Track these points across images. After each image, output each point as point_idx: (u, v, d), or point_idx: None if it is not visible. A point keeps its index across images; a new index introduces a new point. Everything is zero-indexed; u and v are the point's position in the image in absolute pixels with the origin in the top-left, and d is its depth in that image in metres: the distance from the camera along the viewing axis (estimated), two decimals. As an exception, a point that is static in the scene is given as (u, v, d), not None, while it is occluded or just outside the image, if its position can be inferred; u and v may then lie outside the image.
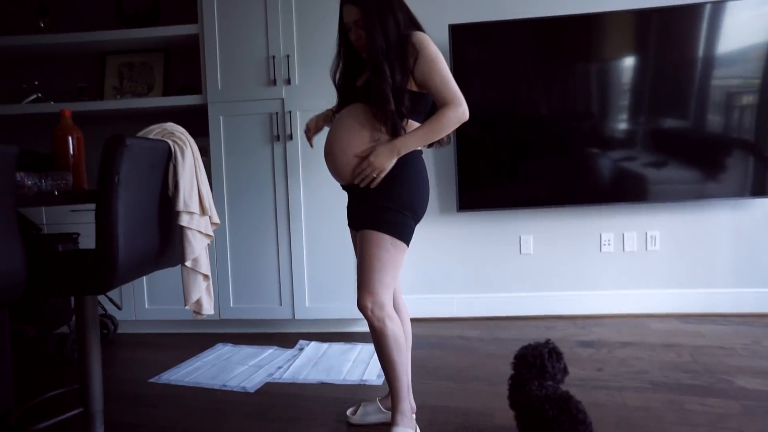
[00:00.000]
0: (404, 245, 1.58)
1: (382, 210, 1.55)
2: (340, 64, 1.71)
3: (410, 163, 1.59)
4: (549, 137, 2.96)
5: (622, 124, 2.91)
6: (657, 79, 2.85)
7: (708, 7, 2.78)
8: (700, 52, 2.82)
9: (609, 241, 3.07)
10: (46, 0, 3.14)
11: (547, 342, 1.62)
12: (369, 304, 1.54)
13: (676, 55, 2.84)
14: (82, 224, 2.86)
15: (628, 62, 2.88)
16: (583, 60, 2.91)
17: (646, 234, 3.04)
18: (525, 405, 1.51)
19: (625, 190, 2.94)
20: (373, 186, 1.56)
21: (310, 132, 1.92)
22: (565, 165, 2.95)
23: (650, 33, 2.85)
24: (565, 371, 1.58)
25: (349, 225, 1.78)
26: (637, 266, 3.06)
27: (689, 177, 2.87)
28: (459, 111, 1.55)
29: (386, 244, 1.54)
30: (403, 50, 1.52)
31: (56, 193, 1.48)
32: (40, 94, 3.19)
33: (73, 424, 1.57)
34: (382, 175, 1.55)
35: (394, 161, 1.55)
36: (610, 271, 3.07)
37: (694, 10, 2.80)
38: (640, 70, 2.88)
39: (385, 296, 1.56)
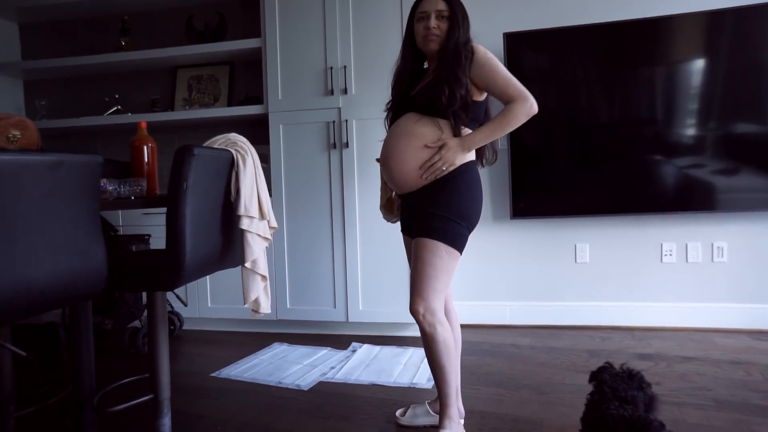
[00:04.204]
0: (458, 253, 1.61)
1: (437, 219, 1.58)
2: (403, 66, 1.74)
3: (465, 173, 1.62)
4: (608, 144, 2.89)
5: (689, 130, 2.79)
6: (730, 82, 2.72)
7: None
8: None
9: (671, 251, 2.94)
10: (127, 21, 3.42)
11: (630, 371, 1.52)
12: (421, 309, 1.58)
13: (753, 55, 2.70)
14: (153, 226, 3.08)
15: (698, 65, 2.77)
16: (646, 64, 2.83)
17: (712, 245, 2.90)
18: (597, 422, 1.43)
19: (690, 199, 2.82)
20: (436, 177, 1.60)
21: None
22: (624, 172, 2.87)
23: (723, 34, 2.72)
24: (645, 399, 1.47)
25: (402, 231, 1.82)
26: (701, 278, 2.92)
27: (764, 185, 2.72)
28: (527, 105, 1.59)
29: (440, 251, 1.57)
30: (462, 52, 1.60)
31: (133, 197, 1.62)
32: (119, 107, 3.47)
33: (144, 408, 1.70)
34: (451, 168, 1.59)
35: (463, 157, 1.61)
36: (672, 282, 2.95)
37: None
38: (710, 73, 2.75)
39: (437, 302, 1.59)
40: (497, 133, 1.62)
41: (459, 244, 1.60)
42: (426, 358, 1.68)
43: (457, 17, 1.62)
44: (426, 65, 1.78)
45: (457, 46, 1.60)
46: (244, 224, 1.62)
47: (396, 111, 1.73)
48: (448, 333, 1.61)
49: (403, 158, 1.62)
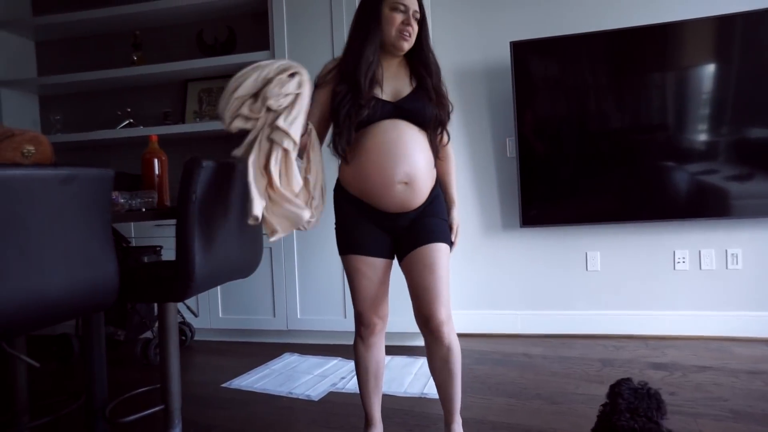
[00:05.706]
0: None
1: (441, 224, 1.60)
2: (371, 57, 1.51)
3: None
4: (619, 151, 2.87)
5: (701, 136, 2.77)
6: (742, 86, 2.70)
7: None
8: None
9: (684, 258, 2.91)
10: (139, 36, 3.48)
11: (648, 388, 1.49)
12: (444, 318, 1.53)
13: (765, 59, 2.67)
14: (164, 237, 3.11)
15: (708, 70, 2.74)
16: (656, 70, 2.81)
17: (726, 252, 2.86)
18: None
19: (702, 205, 2.79)
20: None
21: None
22: (636, 179, 2.85)
23: (733, 38, 2.70)
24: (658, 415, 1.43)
25: (366, 254, 1.63)
26: (716, 286, 2.87)
27: (780, 191, 2.68)
28: None
29: (449, 253, 1.60)
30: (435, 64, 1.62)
31: (144, 210, 1.64)
32: (131, 120, 3.53)
33: (156, 419, 1.71)
34: None
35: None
36: (686, 290, 2.91)
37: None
38: (721, 78, 2.73)
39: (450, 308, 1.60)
40: None
41: None
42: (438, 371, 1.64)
43: (425, 21, 1.57)
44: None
45: (433, 55, 1.59)
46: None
47: (380, 114, 1.51)
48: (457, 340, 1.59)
49: (426, 177, 1.56)
